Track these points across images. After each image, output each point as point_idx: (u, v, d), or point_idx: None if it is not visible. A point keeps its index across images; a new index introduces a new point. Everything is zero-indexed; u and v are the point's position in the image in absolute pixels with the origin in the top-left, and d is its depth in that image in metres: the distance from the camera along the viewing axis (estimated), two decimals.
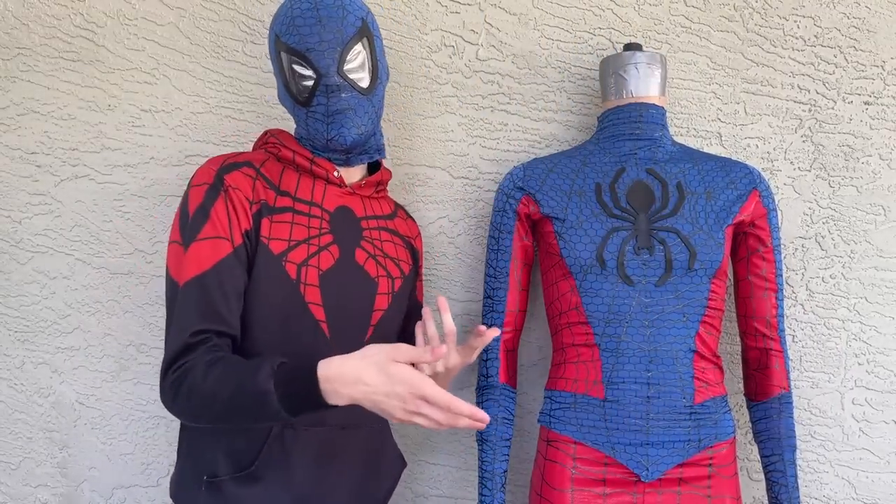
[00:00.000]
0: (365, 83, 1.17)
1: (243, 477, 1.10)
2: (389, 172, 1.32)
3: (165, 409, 1.59)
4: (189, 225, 1.08)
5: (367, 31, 1.16)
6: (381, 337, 1.23)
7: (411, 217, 1.41)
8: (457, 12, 1.56)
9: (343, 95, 1.14)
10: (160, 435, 1.62)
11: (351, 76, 1.15)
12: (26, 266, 1.63)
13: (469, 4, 1.56)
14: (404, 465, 1.31)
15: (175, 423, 1.62)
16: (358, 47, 1.15)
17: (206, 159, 1.58)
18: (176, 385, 1.01)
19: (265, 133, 1.24)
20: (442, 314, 1.06)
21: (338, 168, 1.22)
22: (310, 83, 1.14)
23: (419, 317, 1.36)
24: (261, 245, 1.11)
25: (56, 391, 1.64)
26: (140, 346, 1.62)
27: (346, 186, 1.23)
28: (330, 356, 1.12)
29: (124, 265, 1.61)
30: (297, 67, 1.14)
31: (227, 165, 1.13)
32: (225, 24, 1.59)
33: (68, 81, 1.61)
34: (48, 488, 1.65)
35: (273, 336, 1.12)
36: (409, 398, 0.94)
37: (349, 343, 1.17)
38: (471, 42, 1.57)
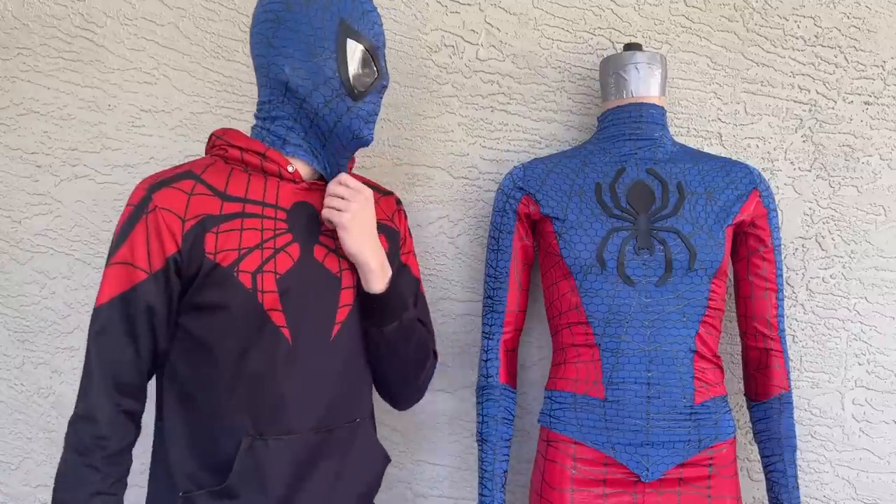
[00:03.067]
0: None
1: (218, 492, 1.08)
2: (352, 160, 1.26)
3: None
4: (112, 245, 1.08)
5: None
6: (349, 333, 1.17)
7: (387, 194, 1.32)
8: (457, 12, 1.56)
9: (381, 97, 1.17)
10: None
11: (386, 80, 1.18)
12: (26, 266, 1.63)
13: (469, 4, 1.56)
14: (388, 460, 1.25)
15: None
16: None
17: None
18: (73, 444, 1.06)
19: (211, 136, 1.18)
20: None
21: (291, 162, 1.16)
22: (370, 80, 1.14)
23: (419, 300, 1.31)
24: (206, 262, 1.07)
25: (56, 391, 1.64)
26: None
27: (303, 181, 1.17)
28: (293, 361, 1.10)
29: None
30: (366, 60, 1.14)
31: (158, 183, 1.09)
32: (225, 24, 1.59)
33: (68, 81, 1.61)
34: (48, 488, 1.65)
35: (231, 350, 1.08)
36: None
37: (314, 346, 1.12)
38: (471, 42, 1.57)
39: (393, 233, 1.27)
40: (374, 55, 1.14)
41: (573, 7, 1.55)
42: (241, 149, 1.14)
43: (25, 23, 1.61)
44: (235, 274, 1.08)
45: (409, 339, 1.20)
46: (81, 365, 1.62)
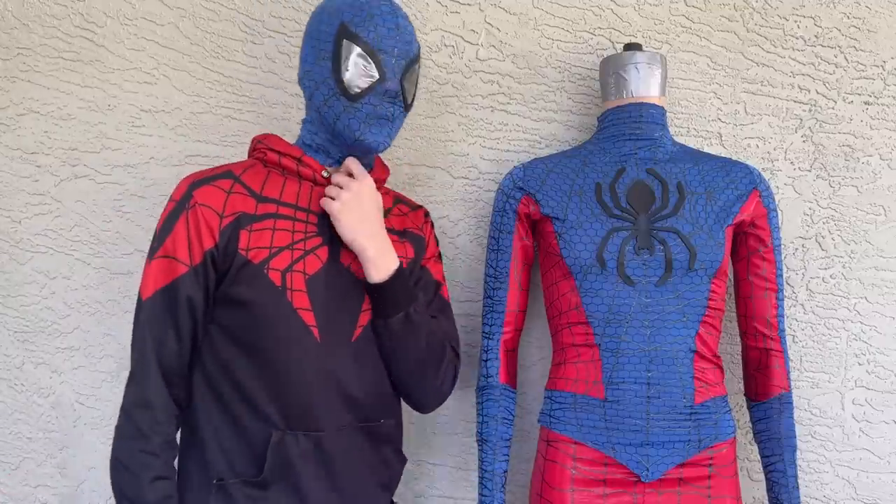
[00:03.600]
0: (410, 100, 1.20)
1: (253, 483, 1.12)
2: (386, 170, 1.31)
3: None
4: (155, 239, 1.14)
5: (419, 58, 1.22)
6: (369, 337, 1.20)
7: (417, 208, 1.36)
8: (457, 12, 1.56)
9: (394, 103, 1.16)
10: None
11: (406, 88, 1.18)
12: (26, 266, 1.63)
13: (469, 4, 1.56)
14: (404, 460, 1.29)
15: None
16: (416, 66, 1.20)
17: (208, 159, 1.59)
18: (129, 432, 1.11)
19: (253, 140, 1.24)
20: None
21: (327, 168, 1.21)
22: (368, 81, 1.14)
23: (436, 299, 1.32)
24: (238, 257, 1.12)
25: (56, 391, 1.64)
26: None
27: None
28: (321, 360, 1.14)
29: (124, 265, 1.61)
30: (361, 61, 1.14)
31: (199, 180, 1.15)
32: (225, 24, 1.59)
33: (68, 81, 1.61)
34: (48, 488, 1.65)
35: (262, 343, 1.12)
36: None
37: (339, 345, 1.16)
38: (471, 42, 1.57)
39: (418, 241, 1.30)
40: (374, 57, 1.14)
41: (573, 7, 1.55)
42: (279, 153, 1.20)
43: (25, 23, 1.61)
44: (266, 271, 1.12)
45: (417, 335, 1.20)
46: (81, 365, 1.62)
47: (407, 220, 1.31)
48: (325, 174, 1.20)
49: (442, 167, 1.58)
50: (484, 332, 1.39)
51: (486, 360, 1.37)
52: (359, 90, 1.14)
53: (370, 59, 1.14)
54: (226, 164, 1.20)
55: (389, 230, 1.28)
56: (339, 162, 1.22)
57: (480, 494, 1.33)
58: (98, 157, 1.61)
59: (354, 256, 1.19)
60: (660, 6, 1.54)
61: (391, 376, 1.24)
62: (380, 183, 1.29)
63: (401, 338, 1.19)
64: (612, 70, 1.37)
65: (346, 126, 1.15)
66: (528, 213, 1.37)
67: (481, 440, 1.35)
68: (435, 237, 1.36)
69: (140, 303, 1.13)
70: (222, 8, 1.59)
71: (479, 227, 1.57)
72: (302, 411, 1.13)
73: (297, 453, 1.12)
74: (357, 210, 1.15)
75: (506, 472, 1.35)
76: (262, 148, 1.21)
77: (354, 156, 1.21)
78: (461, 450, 1.59)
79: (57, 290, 1.63)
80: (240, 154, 1.59)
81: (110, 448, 1.13)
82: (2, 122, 1.62)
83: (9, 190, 1.63)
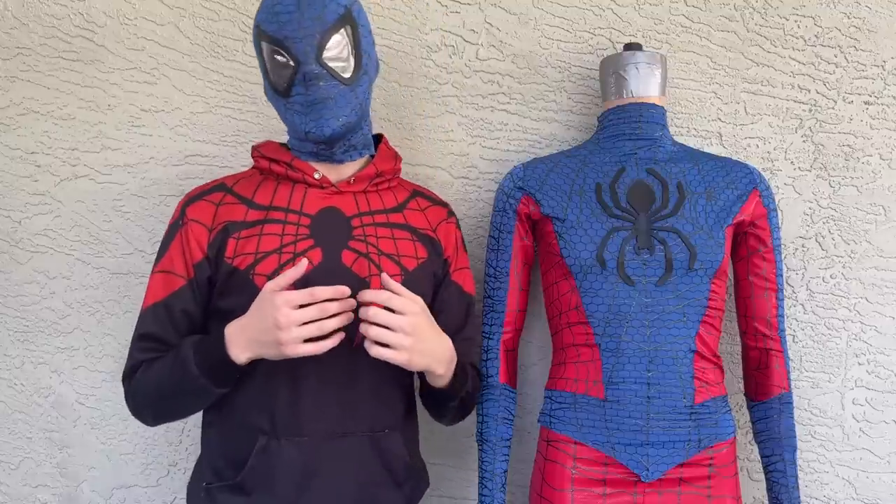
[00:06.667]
0: (347, 73, 1.12)
1: (231, 487, 1.11)
2: (393, 159, 1.25)
3: None
4: (157, 255, 1.19)
5: (350, 20, 1.11)
6: None
7: (439, 204, 1.30)
8: (457, 12, 1.56)
9: (322, 84, 1.09)
10: (160, 435, 1.62)
11: (331, 64, 1.10)
12: (26, 266, 1.63)
13: (469, 4, 1.56)
14: (425, 482, 1.23)
15: (175, 424, 1.62)
16: (339, 35, 1.10)
17: (208, 159, 1.59)
18: (130, 392, 1.15)
19: (252, 149, 1.24)
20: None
21: (318, 169, 1.19)
22: (289, 72, 1.10)
23: (468, 325, 1.29)
24: (224, 266, 1.13)
25: (56, 391, 1.64)
26: None
27: (332, 186, 1.19)
28: (314, 363, 1.12)
29: (124, 265, 1.61)
30: (276, 57, 1.11)
31: (192, 198, 1.19)
32: (225, 24, 1.59)
33: (68, 81, 1.61)
34: (48, 488, 1.65)
35: None
36: (274, 309, 0.99)
37: (334, 350, 1.11)
38: (471, 42, 1.57)
39: (432, 243, 1.25)
40: (283, 46, 1.09)
41: (573, 7, 1.55)
42: (269, 159, 1.19)
43: (25, 23, 1.61)
44: (251, 277, 1.11)
45: (460, 394, 1.21)
46: (81, 365, 1.62)
47: (422, 218, 1.26)
48: (316, 175, 1.18)
49: (442, 167, 1.57)
50: (484, 332, 1.39)
51: (485, 360, 1.37)
52: (285, 84, 1.11)
53: (282, 50, 1.10)
54: (222, 177, 1.21)
55: (400, 226, 1.22)
56: (327, 158, 1.19)
57: (480, 494, 1.33)
58: (98, 157, 1.61)
59: (357, 257, 1.16)
60: (660, 6, 1.54)
61: (423, 401, 1.25)
62: (386, 174, 1.24)
63: (446, 399, 1.20)
64: (612, 70, 1.37)
65: (292, 123, 1.13)
66: (528, 212, 1.37)
67: (481, 440, 1.35)
68: (461, 242, 1.30)
69: (141, 313, 1.17)
70: (222, 8, 1.59)
71: (479, 227, 1.57)
72: (287, 416, 1.11)
73: (279, 460, 1.10)
74: (422, 344, 1.06)
75: (506, 472, 1.35)
76: (256, 156, 1.21)
77: (320, 149, 1.17)
78: (461, 450, 1.59)
79: (57, 290, 1.63)
80: (239, 154, 1.59)
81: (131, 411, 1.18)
82: (2, 122, 1.62)
83: (9, 190, 1.63)
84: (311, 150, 1.19)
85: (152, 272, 1.18)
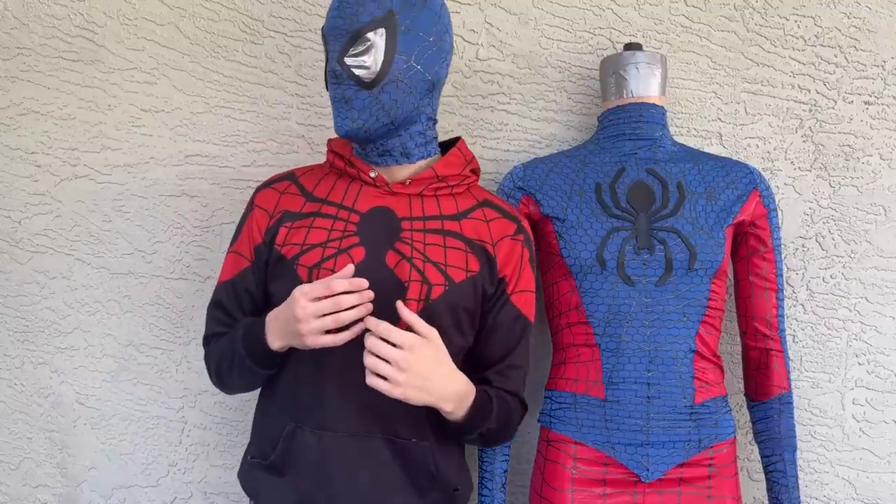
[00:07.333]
0: (367, 76, 1.08)
1: (266, 466, 1.16)
2: (457, 168, 1.19)
3: (165, 409, 1.62)
4: (233, 235, 1.26)
5: (390, 23, 1.07)
6: None
7: (507, 217, 1.22)
8: (457, 12, 1.56)
9: (342, 84, 1.09)
10: (160, 435, 1.62)
11: (351, 65, 1.08)
12: (26, 266, 1.63)
13: (469, 4, 1.56)
14: (448, 492, 1.18)
15: (175, 424, 1.62)
16: (371, 37, 1.07)
17: (208, 159, 1.59)
18: (206, 361, 1.22)
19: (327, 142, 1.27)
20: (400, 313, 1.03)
21: (374, 168, 1.18)
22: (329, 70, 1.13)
23: (511, 334, 1.20)
24: (274, 253, 1.17)
25: (56, 391, 1.64)
26: (140, 346, 1.62)
27: (387, 186, 1.17)
28: (339, 360, 1.13)
29: (124, 265, 1.61)
30: (327, 51, 1.14)
31: (263, 185, 1.25)
32: (225, 24, 1.59)
33: (68, 81, 1.61)
34: (48, 488, 1.65)
35: None
36: (294, 301, 1.03)
37: (361, 348, 1.09)
38: (471, 42, 1.57)
39: (487, 256, 1.18)
40: (324, 40, 1.13)
41: (573, 7, 1.55)
42: (334, 153, 1.22)
43: (25, 23, 1.61)
44: (295, 267, 1.14)
45: (479, 429, 1.14)
46: (81, 365, 1.62)
47: (483, 229, 1.19)
48: (371, 174, 1.17)
49: None
50: None
51: None
52: (327, 79, 1.14)
53: (325, 46, 1.13)
54: (295, 167, 1.27)
55: (454, 234, 1.17)
56: (380, 156, 1.18)
57: (480, 494, 1.33)
58: (98, 157, 1.61)
59: (400, 259, 1.13)
60: (660, 6, 1.54)
61: None
62: (449, 180, 1.19)
63: (458, 434, 1.17)
64: (612, 70, 1.37)
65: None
66: (528, 212, 1.37)
67: None
68: (529, 262, 1.21)
69: (216, 286, 1.26)
70: (222, 8, 1.59)
71: None
72: (310, 408, 1.13)
73: (303, 449, 1.13)
74: (421, 381, 1.02)
75: (506, 472, 1.35)
76: (327, 149, 1.24)
77: (361, 148, 1.19)
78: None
79: (57, 290, 1.63)
80: (239, 154, 1.59)
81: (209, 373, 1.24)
82: (2, 122, 1.62)
83: (9, 190, 1.63)
84: (369, 150, 1.20)
85: (228, 251, 1.25)
